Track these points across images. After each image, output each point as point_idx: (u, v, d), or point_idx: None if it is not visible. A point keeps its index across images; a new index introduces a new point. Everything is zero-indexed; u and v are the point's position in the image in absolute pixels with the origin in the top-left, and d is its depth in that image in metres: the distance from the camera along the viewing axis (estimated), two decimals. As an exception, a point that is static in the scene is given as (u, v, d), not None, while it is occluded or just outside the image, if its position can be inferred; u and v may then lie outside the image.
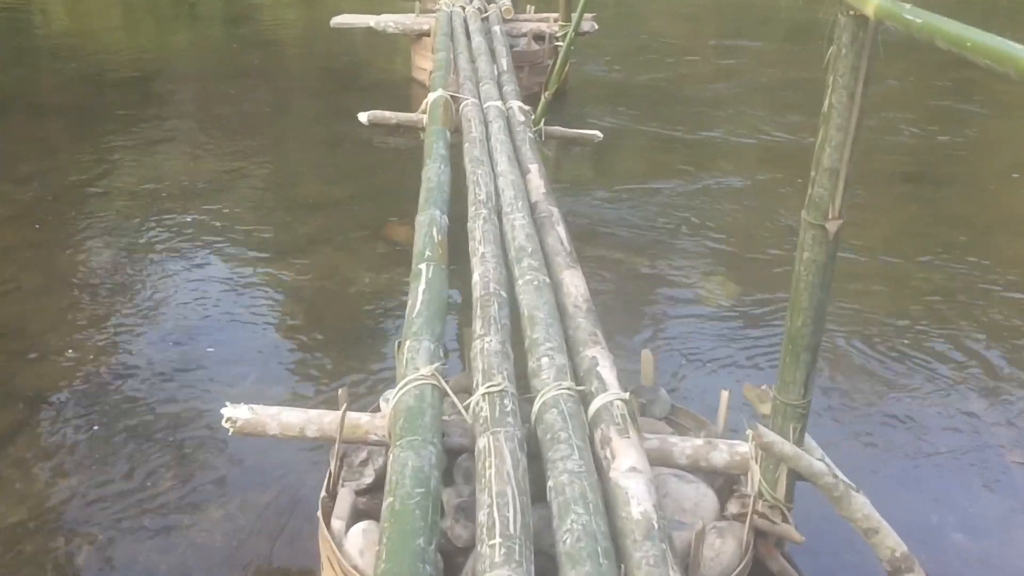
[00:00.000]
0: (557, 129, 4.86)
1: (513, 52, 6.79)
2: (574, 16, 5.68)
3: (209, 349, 3.67)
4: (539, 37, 7.18)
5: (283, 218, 4.94)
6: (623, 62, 8.61)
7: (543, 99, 4.72)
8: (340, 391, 2.30)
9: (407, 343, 2.45)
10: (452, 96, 4.64)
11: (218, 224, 4.81)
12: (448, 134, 4.16)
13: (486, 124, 4.41)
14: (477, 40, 6.05)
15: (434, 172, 3.65)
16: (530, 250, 3.04)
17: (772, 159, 6.27)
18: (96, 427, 3.14)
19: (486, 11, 7.25)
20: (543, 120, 4.76)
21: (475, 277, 2.92)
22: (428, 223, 3.17)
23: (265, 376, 3.50)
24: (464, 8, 7.17)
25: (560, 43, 7.15)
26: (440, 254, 2.99)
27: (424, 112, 4.64)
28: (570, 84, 7.34)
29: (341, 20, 7.22)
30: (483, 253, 3.03)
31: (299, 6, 11.39)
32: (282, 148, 6.18)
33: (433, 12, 7.29)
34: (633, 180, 5.75)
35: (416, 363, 2.29)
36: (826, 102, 1.80)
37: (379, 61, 8.24)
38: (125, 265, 4.36)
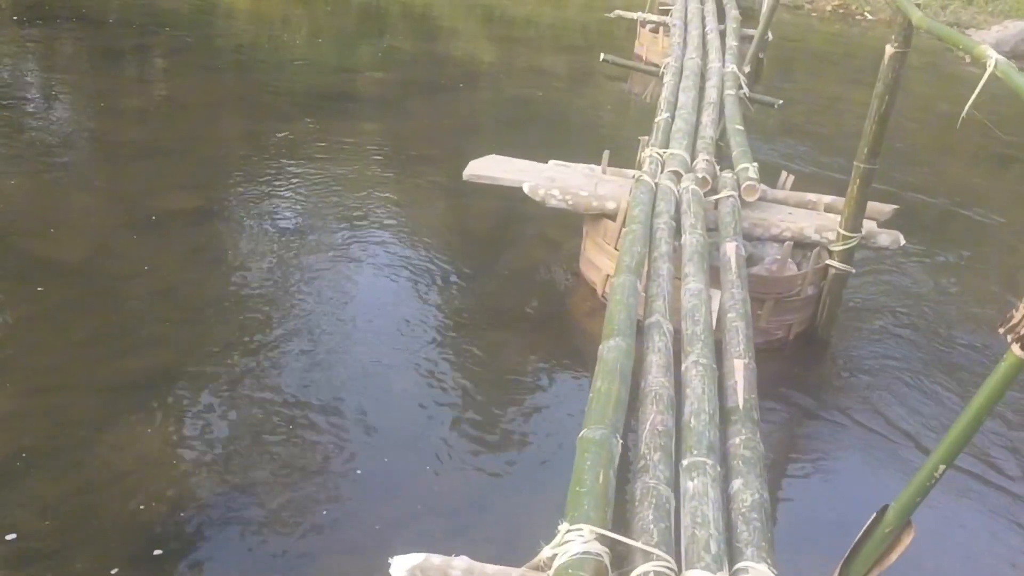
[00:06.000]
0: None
1: (751, 273, 3.92)
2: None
3: None
4: (800, 244, 4.23)
5: None
6: (927, 282, 5.35)
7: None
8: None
9: None
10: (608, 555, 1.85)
11: None
12: None
13: None
14: (692, 288, 3.21)
15: None
16: None
17: None
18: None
19: (712, 186, 4.37)
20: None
21: None
22: None
23: None
24: (678, 176, 4.33)
25: (835, 264, 4.15)
26: None
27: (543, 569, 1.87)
28: (833, 327, 4.33)
29: (478, 170, 4.56)
30: None
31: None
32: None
33: (627, 175, 4.52)
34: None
35: None
36: None
37: (538, 225, 5.34)
38: None
